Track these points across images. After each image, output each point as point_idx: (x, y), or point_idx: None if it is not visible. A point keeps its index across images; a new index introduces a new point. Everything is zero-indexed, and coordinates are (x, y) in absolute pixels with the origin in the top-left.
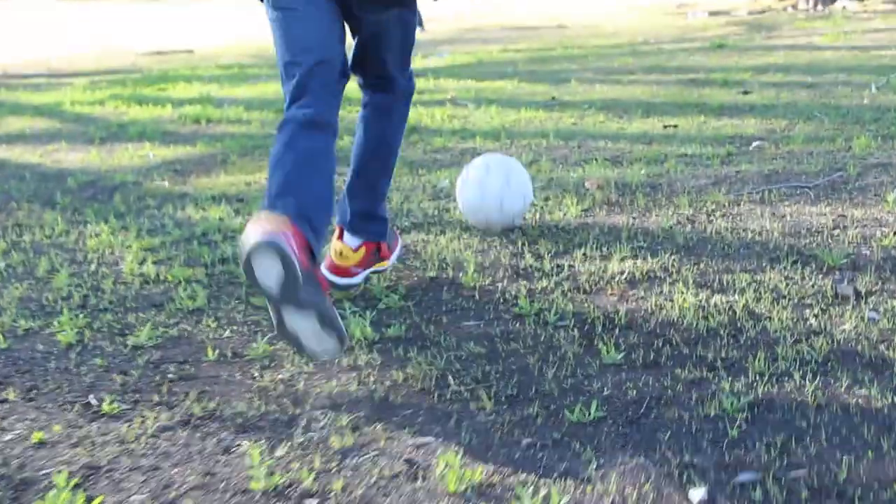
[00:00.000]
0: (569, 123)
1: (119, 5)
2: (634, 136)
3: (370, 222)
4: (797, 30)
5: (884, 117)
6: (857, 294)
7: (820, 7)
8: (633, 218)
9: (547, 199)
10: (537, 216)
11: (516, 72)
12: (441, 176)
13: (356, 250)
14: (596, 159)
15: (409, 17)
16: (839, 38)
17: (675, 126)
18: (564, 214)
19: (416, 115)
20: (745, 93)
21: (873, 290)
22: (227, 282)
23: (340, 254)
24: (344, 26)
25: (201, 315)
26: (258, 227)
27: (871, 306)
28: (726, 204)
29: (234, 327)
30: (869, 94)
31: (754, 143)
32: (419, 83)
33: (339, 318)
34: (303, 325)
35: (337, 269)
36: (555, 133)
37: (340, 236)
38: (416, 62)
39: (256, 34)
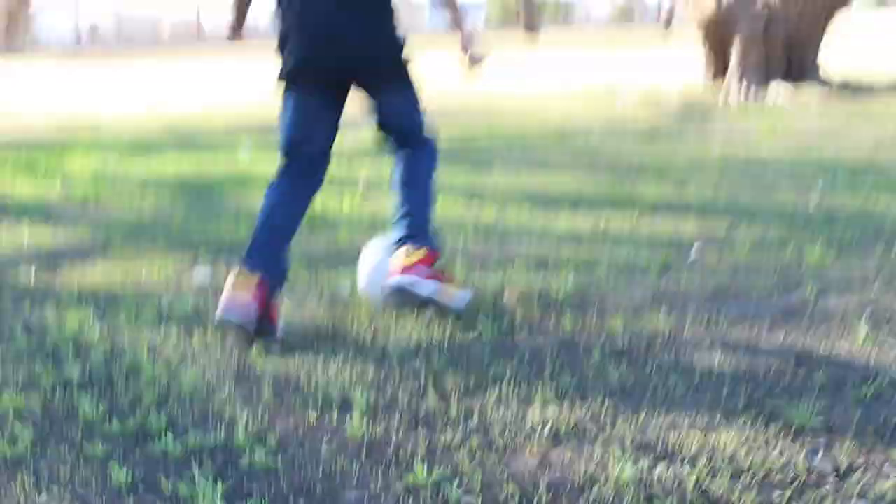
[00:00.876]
0: (489, 217)
1: (47, 63)
2: (562, 236)
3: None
4: (732, 122)
5: (834, 222)
6: (837, 471)
7: (752, 98)
8: (559, 346)
9: (458, 315)
10: (447, 335)
11: None
12: (341, 277)
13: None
14: (517, 262)
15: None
16: (776, 131)
17: (607, 223)
18: (479, 336)
19: (322, 201)
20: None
21: (856, 463)
22: (64, 417)
23: (406, 253)
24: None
25: (17, 468)
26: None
27: (858, 490)
28: (668, 331)
29: (55, 489)
30: (816, 194)
31: (695, 248)
32: (332, 164)
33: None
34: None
35: (405, 269)
36: (473, 228)
37: (398, 247)
38: None
39: (176, 100)
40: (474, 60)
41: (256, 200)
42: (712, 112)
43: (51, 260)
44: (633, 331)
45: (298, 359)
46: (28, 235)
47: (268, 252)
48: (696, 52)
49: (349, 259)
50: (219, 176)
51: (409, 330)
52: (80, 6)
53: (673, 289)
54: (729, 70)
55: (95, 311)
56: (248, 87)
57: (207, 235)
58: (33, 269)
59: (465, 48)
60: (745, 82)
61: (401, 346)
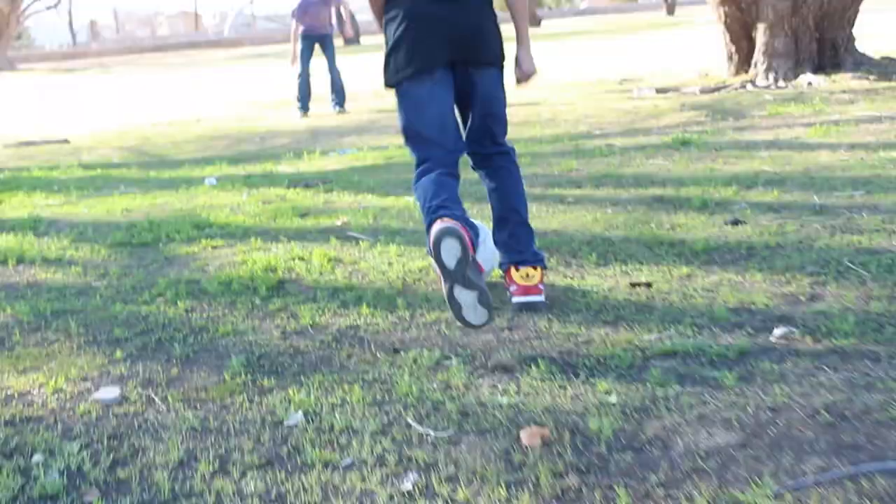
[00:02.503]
0: (496, 277)
1: (30, 77)
2: (591, 307)
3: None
4: (772, 117)
5: None
6: None
7: (782, 83)
8: None
9: (452, 481)
10: None
11: None
12: (296, 398)
13: (535, 269)
14: (536, 361)
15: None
16: (829, 131)
17: (649, 285)
18: None
19: (287, 258)
20: (736, 223)
21: None
22: None
23: (526, 276)
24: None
25: None
26: (441, 224)
27: None
28: None
29: None
30: None
31: (777, 331)
32: (305, 199)
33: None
34: (466, 299)
35: (529, 290)
36: None
37: (517, 268)
38: (310, 161)
39: (149, 116)
40: (525, 76)
41: (207, 261)
42: (745, 108)
43: None
44: None
45: None
46: None
47: None
48: (712, 37)
49: (308, 358)
50: (173, 219)
51: None
52: (74, 2)
53: (765, 413)
54: (755, 56)
55: None
56: (239, 93)
57: (134, 323)
58: None
59: (520, 64)
60: (773, 69)
61: None
